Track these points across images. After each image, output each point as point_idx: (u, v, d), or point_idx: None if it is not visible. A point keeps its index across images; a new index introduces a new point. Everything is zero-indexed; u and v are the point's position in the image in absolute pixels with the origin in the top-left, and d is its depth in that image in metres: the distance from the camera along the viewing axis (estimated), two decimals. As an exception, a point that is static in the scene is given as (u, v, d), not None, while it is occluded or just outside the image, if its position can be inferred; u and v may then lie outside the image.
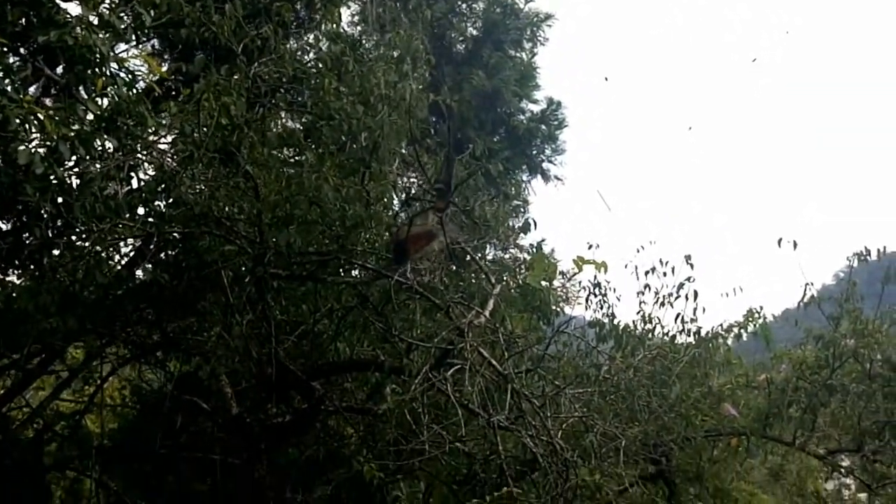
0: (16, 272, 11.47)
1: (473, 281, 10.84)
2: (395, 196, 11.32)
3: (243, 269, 10.37)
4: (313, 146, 10.39)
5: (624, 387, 10.36)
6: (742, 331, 12.84)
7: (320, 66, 10.69)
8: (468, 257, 10.58)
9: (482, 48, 18.24)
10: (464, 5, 18.74)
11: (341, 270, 10.62)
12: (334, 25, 11.84)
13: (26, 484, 15.94)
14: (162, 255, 11.11)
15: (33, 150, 8.37)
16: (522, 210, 16.59)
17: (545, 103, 19.81)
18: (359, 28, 16.66)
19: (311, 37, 13.29)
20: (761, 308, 12.95)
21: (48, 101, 10.35)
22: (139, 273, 11.61)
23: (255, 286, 10.09)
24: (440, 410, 9.50)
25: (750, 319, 12.87)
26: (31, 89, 10.14)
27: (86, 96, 9.38)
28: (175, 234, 10.17)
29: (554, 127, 19.74)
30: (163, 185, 9.69)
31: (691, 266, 11.49)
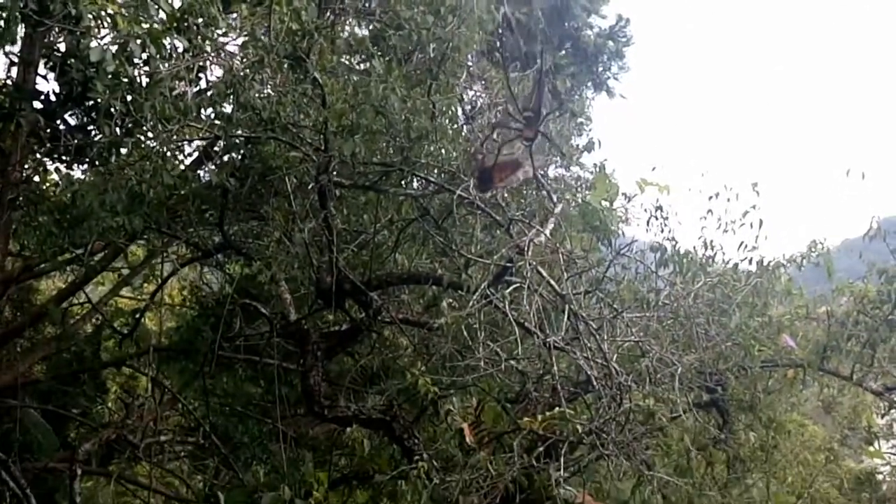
0: (83, 168, 11.63)
1: (535, 198, 10.78)
2: (460, 109, 11.20)
3: (307, 176, 10.41)
4: (381, 55, 10.29)
5: (683, 313, 10.28)
6: (804, 261, 12.66)
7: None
8: (532, 173, 10.49)
9: (554, -39, 17.99)
10: (537, -83, 18.43)
11: (404, 182, 10.59)
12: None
13: (83, 378, 16.38)
14: (227, 157, 11.17)
15: (105, 47, 8.39)
16: (587, 128, 16.44)
17: (614, 19, 19.53)
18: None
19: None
20: (825, 239, 12.76)
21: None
22: (204, 174, 11.69)
23: (317, 194, 10.10)
24: (496, 328, 9.52)
25: (813, 250, 12.68)
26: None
27: (153, -2, 9.35)
28: (241, 138, 10.17)
29: (622, 44, 19.44)
30: (231, 89, 9.66)
31: (757, 193, 11.29)
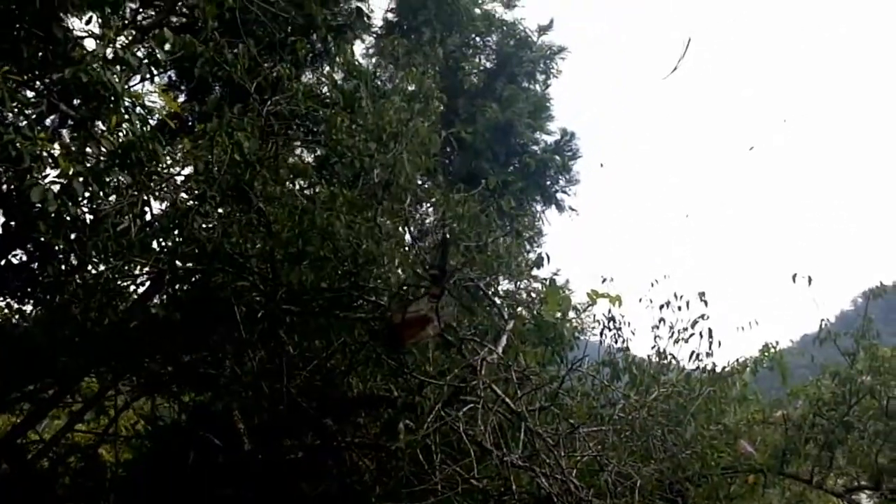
0: (30, 306, 11.53)
1: (487, 316, 10.79)
2: (407, 231, 11.26)
3: (255, 304, 10.36)
4: (326, 181, 10.38)
5: (639, 425, 10.27)
6: (757, 366, 12.75)
7: (333, 101, 10.70)
8: (481, 293, 10.52)
9: (496, 81, 18.26)
10: (477, 38, 18.79)
11: (354, 305, 10.57)
12: (348, 59, 11.84)
13: (38, 516, 15.92)
14: (174, 290, 11.12)
15: (47, 188, 8.40)
16: (535, 243, 16.57)
17: (559, 134, 19.86)
18: (373, 60, 16.73)
19: (325, 69, 13.33)
20: (777, 343, 12.89)
21: (64, 136, 10.42)
22: (152, 308, 11.62)
23: (267, 322, 10.06)
24: (453, 448, 9.43)
25: (766, 354, 12.79)
26: (47, 123, 10.21)
27: (101, 131, 9.42)
28: (188, 271, 10.15)
29: (568, 157, 19.71)
30: (176, 222, 9.68)
31: (705, 303, 11.42)
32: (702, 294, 11.43)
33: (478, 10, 18.79)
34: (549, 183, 19.57)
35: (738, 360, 12.70)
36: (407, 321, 9.50)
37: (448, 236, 9.88)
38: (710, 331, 11.46)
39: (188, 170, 10.33)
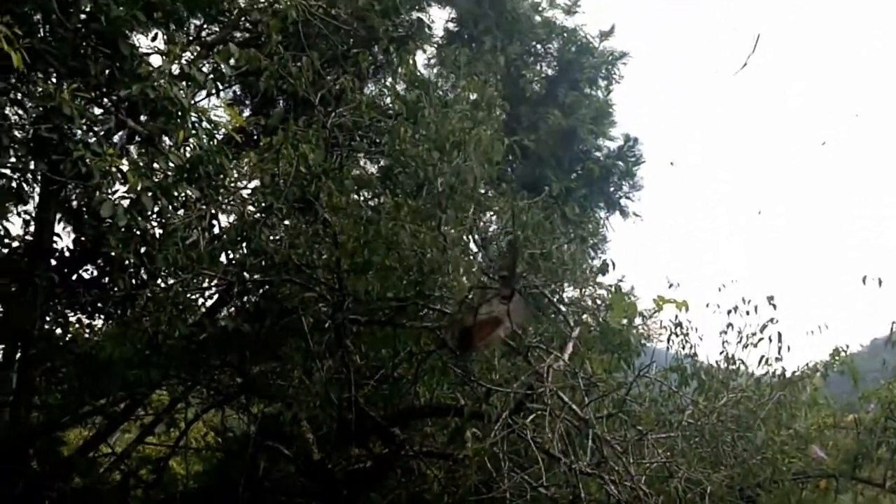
0: (101, 320, 11.72)
1: (552, 323, 10.75)
2: (472, 240, 11.27)
3: (323, 315, 10.45)
4: (390, 191, 10.44)
5: (708, 431, 10.15)
6: (828, 370, 12.54)
7: (396, 112, 10.75)
8: (546, 300, 10.51)
9: (557, 88, 18.18)
10: (538, 46, 18.75)
11: (420, 314, 10.60)
12: (409, 69, 11.90)
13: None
14: (242, 302, 11.24)
15: (116, 203, 8.56)
16: (600, 249, 16.50)
17: (622, 140, 19.73)
18: (434, 70, 16.77)
19: (388, 80, 13.42)
20: (847, 346, 12.66)
21: (132, 151, 10.61)
22: (221, 320, 11.75)
23: (334, 332, 10.13)
24: (521, 456, 9.40)
25: (836, 358, 12.58)
26: (115, 139, 10.40)
27: (168, 146, 9.59)
28: (256, 282, 10.27)
29: (631, 163, 19.56)
30: (243, 234, 9.81)
31: (774, 307, 11.24)
32: (770, 298, 11.25)
33: (538, 18, 18.74)
34: (612, 189, 19.45)
35: (808, 364, 12.47)
36: (478, 323, 9.50)
37: (516, 240, 9.87)
38: (779, 335, 11.28)
39: (255, 183, 10.47)
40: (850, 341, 12.79)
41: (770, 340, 11.27)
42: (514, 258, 9.62)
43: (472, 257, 11.04)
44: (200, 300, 11.74)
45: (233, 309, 11.49)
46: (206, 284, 11.05)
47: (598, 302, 12.19)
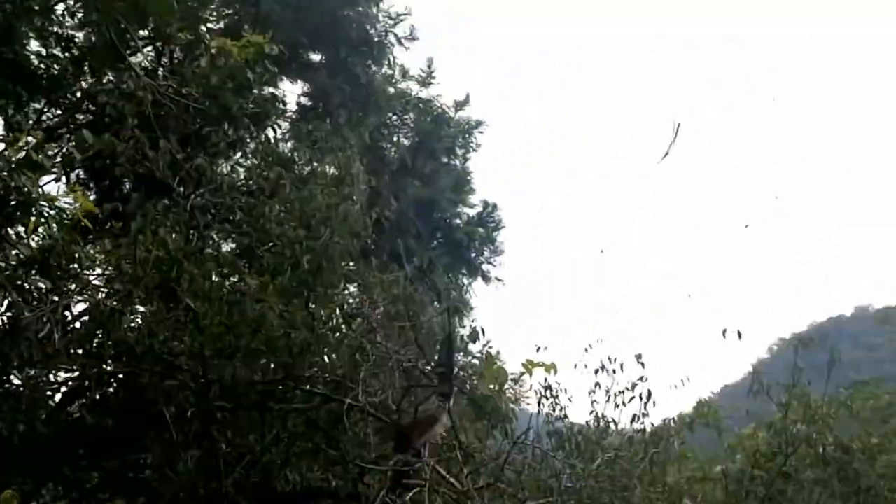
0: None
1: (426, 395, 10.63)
2: (341, 318, 11.09)
3: (187, 403, 10.07)
4: (256, 272, 10.19)
5: (587, 495, 10.15)
6: (693, 423, 12.79)
7: (258, 189, 10.57)
8: (419, 372, 10.39)
9: (416, 158, 18.30)
10: (394, 117, 18.85)
11: (287, 396, 10.33)
12: (266, 146, 11.74)
13: None
14: (101, 394, 10.75)
15: (-38, 300, 8.13)
16: (467, 316, 16.51)
17: (481, 206, 19.91)
18: (289, 145, 16.63)
19: (245, 158, 13.19)
20: (710, 397, 12.98)
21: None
22: (74, 412, 11.22)
23: (199, 420, 9.78)
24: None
25: (702, 410, 12.86)
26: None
27: (15, 236, 9.15)
28: (113, 373, 9.85)
29: (491, 229, 19.77)
30: (99, 324, 9.40)
31: (642, 364, 11.41)
32: (638, 356, 11.44)
33: (392, 90, 18.85)
34: (474, 255, 19.59)
35: (674, 418, 12.69)
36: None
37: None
38: (649, 393, 11.46)
39: (109, 270, 10.07)
40: (703, 390, 13.11)
41: (641, 398, 11.43)
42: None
43: (341, 334, 10.83)
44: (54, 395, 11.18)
45: (84, 402, 10.98)
46: (60, 378, 10.56)
47: (469, 371, 12.15)
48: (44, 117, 12.97)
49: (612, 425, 11.82)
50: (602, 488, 10.37)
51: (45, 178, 9.83)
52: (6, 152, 8.79)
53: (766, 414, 13.15)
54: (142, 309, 9.56)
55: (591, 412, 11.79)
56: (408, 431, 9.32)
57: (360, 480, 9.54)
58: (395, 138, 18.86)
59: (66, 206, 9.44)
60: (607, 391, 11.70)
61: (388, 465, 9.14)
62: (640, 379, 11.52)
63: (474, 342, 11.48)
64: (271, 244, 10.15)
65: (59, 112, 13.00)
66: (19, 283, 8.53)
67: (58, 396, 11.40)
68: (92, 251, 9.75)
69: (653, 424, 11.88)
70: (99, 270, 9.64)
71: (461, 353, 13.03)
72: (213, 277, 10.09)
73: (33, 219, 8.82)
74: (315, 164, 12.19)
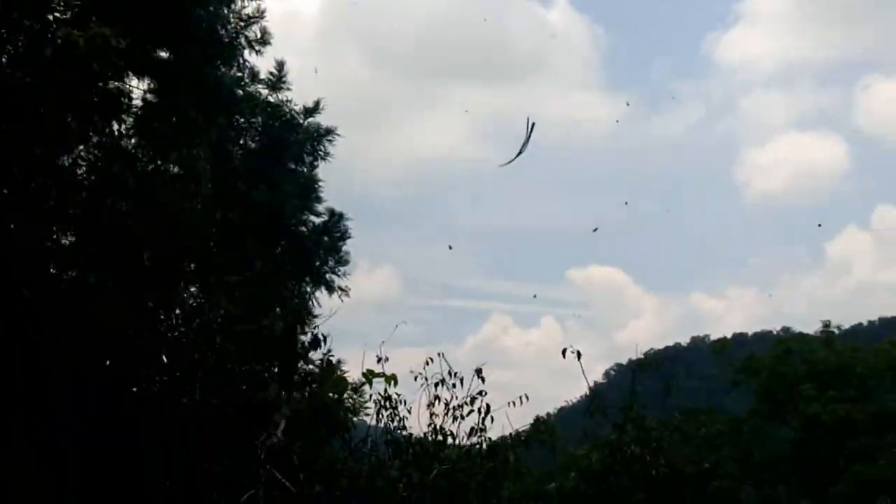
0: None
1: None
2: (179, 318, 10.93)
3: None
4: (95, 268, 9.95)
5: (421, 505, 10.24)
6: (529, 440, 12.98)
7: (101, 183, 10.30)
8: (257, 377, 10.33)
9: (264, 162, 18.10)
10: (243, 120, 18.58)
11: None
12: (109, 140, 11.45)
13: None
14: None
15: None
16: (309, 323, 16.38)
17: (327, 215, 19.79)
18: (132, 141, 16.23)
19: (85, 151, 12.81)
20: (548, 415, 13.21)
21: None
22: None
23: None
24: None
25: (539, 428, 13.04)
26: None
27: None
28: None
29: (336, 238, 19.69)
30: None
31: (482, 379, 11.55)
32: (479, 371, 11.58)
33: (241, 92, 18.58)
34: (318, 263, 19.46)
35: (511, 434, 12.85)
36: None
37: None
38: (487, 407, 11.60)
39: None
40: (544, 407, 13.37)
41: (479, 412, 11.55)
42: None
43: (177, 334, 10.67)
44: None
45: None
46: None
47: (309, 378, 12.12)
48: None
49: (450, 438, 11.93)
50: (438, 499, 10.48)
51: None
52: None
53: (602, 436, 13.43)
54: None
55: (430, 424, 11.88)
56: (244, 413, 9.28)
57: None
58: (242, 141, 18.57)
59: None
60: (447, 404, 11.81)
61: (224, 466, 9.07)
62: (480, 393, 11.67)
63: (316, 349, 11.46)
64: (112, 239, 9.90)
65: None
66: None
67: None
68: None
69: (490, 439, 12.05)
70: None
71: (301, 361, 13.03)
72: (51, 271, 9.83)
73: None
74: (159, 162, 11.96)
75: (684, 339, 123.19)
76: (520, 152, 11.40)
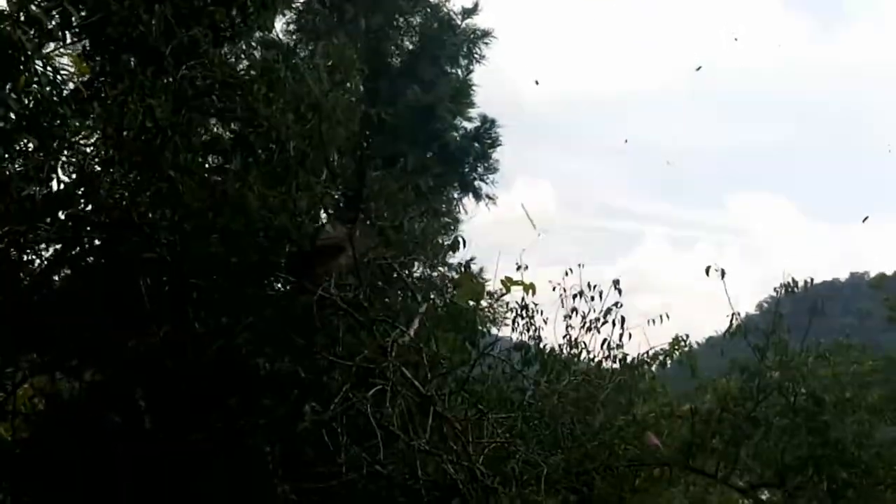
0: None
1: (399, 298, 10.64)
2: (322, 208, 11.02)
3: (163, 277, 10.06)
4: (241, 154, 10.09)
5: (548, 413, 10.24)
6: (667, 358, 12.79)
7: (251, 72, 10.40)
8: (395, 274, 10.38)
9: (418, 63, 18.04)
10: (401, 18, 18.51)
11: (264, 282, 10.32)
12: (268, 32, 11.54)
13: None
14: (80, 263, 10.72)
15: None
16: (452, 227, 16.46)
17: (479, 121, 19.69)
18: (294, 37, 16.37)
19: (244, 43, 12.99)
20: (687, 336, 12.95)
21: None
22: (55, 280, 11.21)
23: (173, 296, 9.78)
24: (360, 432, 9.26)
25: (676, 347, 12.83)
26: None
27: (9, 93, 9.03)
28: (92, 241, 9.81)
29: (487, 145, 19.62)
30: (82, 189, 9.33)
31: (619, 291, 11.42)
32: (616, 282, 11.45)
33: (401, -11, 18.52)
34: (467, 169, 19.45)
35: (647, 351, 12.68)
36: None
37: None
38: (622, 319, 11.47)
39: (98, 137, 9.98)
40: (690, 335, 13.06)
41: (613, 325, 11.45)
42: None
43: (322, 225, 10.77)
44: (36, 261, 11.15)
45: (69, 270, 10.96)
46: (41, 241, 10.52)
47: (447, 281, 12.16)
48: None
49: (584, 351, 11.87)
50: (565, 409, 10.46)
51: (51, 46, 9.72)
52: (12, 10, 8.65)
53: (746, 363, 13.12)
54: (125, 177, 9.46)
55: (565, 336, 11.84)
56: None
57: (328, 374, 9.56)
58: (399, 40, 18.55)
59: (64, 69, 9.34)
60: (583, 317, 11.73)
61: (355, 361, 9.17)
62: (616, 305, 11.54)
63: (455, 252, 11.48)
64: (257, 125, 10.02)
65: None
66: (7, 138, 8.44)
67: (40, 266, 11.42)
68: (84, 117, 9.65)
69: (625, 354, 11.94)
70: (87, 134, 9.53)
71: (441, 264, 13.05)
72: (198, 154, 10.03)
73: (25, 76, 8.72)
74: (315, 56, 12.00)
75: (843, 276, 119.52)
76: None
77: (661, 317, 11.86)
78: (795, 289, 12.75)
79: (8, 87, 8.95)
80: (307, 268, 9.36)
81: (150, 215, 9.56)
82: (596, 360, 11.70)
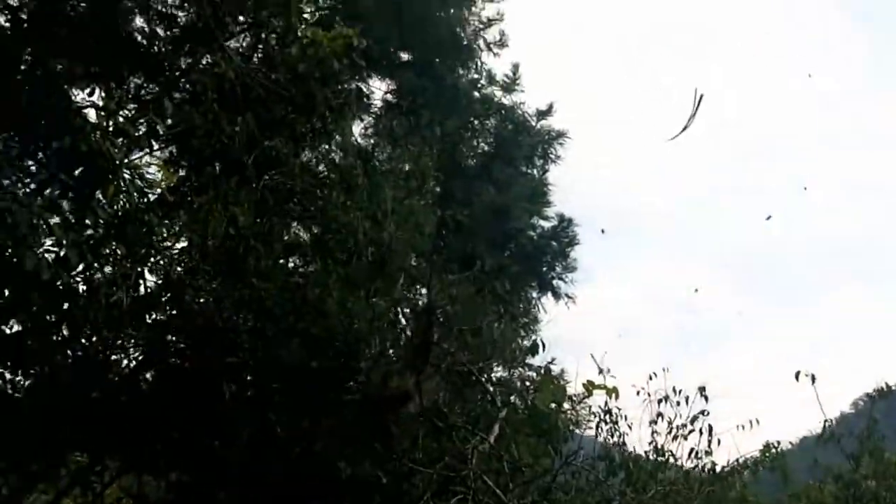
0: (20, 376, 11.33)
1: (479, 403, 10.61)
2: (400, 312, 11.12)
3: (245, 382, 10.21)
4: (320, 259, 10.28)
5: (636, 525, 10.01)
6: (758, 466, 12.44)
7: (331, 176, 10.66)
8: (474, 378, 10.37)
9: (493, 164, 18.23)
10: (476, 122, 18.77)
11: (344, 386, 10.39)
12: (346, 138, 11.82)
13: None
14: (166, 365, 10.94)
15: (41, 256, 8.31)
16: (531, 330, 16.37)
17: (556, 220, 19.75)
18: (371, 140, 16.70)
19: (324, 148, 13.32)
20: (778, 443, 12.58)
21: (65, 206, 10.37)
22: (142, 382, 11.44)
23: (256, 400, 9.91)
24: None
25: (767, 454, 12.49)
26: (47, 193, 10.15)
27: (98, 202, 9.36)
28: (178, 345, 10.03)
29: (565, 244, 19.60)
30: (168, 295, 9.58)
31: (706, 398, 11.16)
32: (702, 389, 11.19)
33: (477, 94, 18.78)
34: (545, 269, 19.41)
35: (738, 459, 12.35)
36: (387, 397, 9.36)
37: (432, 306, 9.75)
38: (710, 427, 11.20)
39: (182, 243, 10.27)
40: (780, 438, 12.69)
41: (701, 433, 11.17)
42: (429, 326, 9.50)
43: (399, 330, 10.87)
44: (124, 362, 11.41)
45: (155, 372, 11.18)
46: (129, 346, 10.77)
47: (527, 383, 12.09)
48: (142, 92, 13.23)
49: (670, 459, 11.59)
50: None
51: (137, 153, 10.10)
52: (101, 121, 9.02)
53: (840, 471, 12.71)
54: (210, 284, 9.70)
55: (651, 442, 11.57)
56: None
57: (408, 480, 9.54)
58: (474, 142, 18.76)
59: (150, 177, 9.70)
60: (669, 423, 11.47)
61: (435, 468, 9.15)
62: (702, 413, 11.27)
63: (534, 355, 11.42)
64: (336, 232, 10.22)
65: (155, 87, 13.24)
66: (97, 246, 8.71)
67: (123, 363, 11.68)
68: (170, 224, 9.95)
69: (714, 463, 11.63)
70: (172, 242, 9.82)
71: (520, 366, 13.01)
72: (279, 259, 10.23)
73: (114, 185, 9.05)
74: (393, 161, 12.25)
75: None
76: (685, 127, 10.71)
77: (751, 422, 11.55)
78: (889, 393, 12.39)
79: (97, 194, 9.31)
80: (375, 413, 9.42)
81: (234, 319, 9.72)
82: (683, 468, 11.39)
